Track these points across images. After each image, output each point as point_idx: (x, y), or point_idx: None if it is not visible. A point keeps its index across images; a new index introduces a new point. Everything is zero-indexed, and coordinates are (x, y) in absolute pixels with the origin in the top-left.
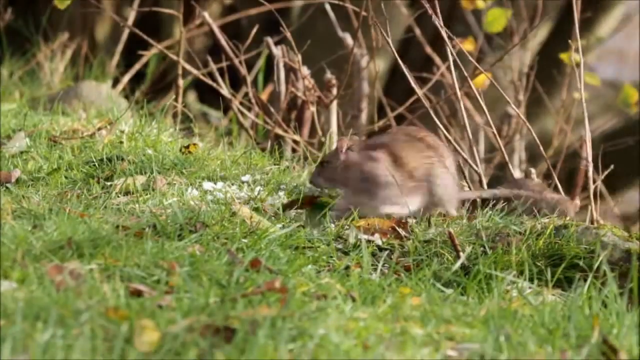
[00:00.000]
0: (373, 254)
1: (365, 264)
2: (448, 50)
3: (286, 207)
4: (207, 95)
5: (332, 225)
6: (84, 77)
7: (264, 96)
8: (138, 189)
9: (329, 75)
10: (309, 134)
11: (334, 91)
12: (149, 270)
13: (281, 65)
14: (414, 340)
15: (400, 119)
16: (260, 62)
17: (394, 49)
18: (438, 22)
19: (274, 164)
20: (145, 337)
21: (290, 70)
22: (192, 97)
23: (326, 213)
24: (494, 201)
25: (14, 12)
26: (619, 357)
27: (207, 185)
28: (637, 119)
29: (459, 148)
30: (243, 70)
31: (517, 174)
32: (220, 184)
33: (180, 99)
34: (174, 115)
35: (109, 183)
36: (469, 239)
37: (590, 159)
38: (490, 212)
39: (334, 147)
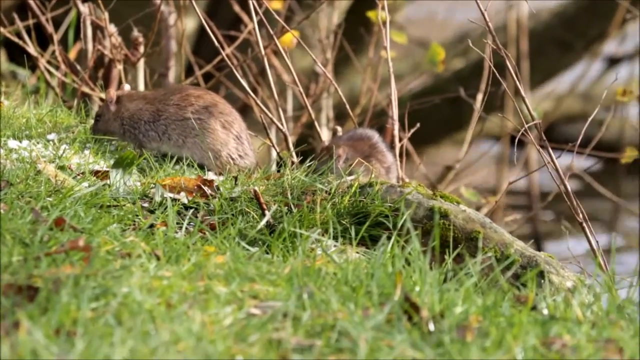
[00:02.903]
0: (179, 213)
1: (171, 223)
2: (252, 8)
3: None
4: (18, 53)
5: (138, 184)
6: None
7: (73, 54)
8: None
9: (135, 33)
10: None
11: (141, 49)
12: None
13: (88, 23)
14: (217, 298)
15: (208, 78)
16: (70, 20)
17: (200, 7)
18: None
19: (80, 123)
20: None
21: (97, 28)
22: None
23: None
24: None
25: None
26: (421, 314)
27: (12, 143)
28: (446, 78)
29: (264, 108)
30: (50, 28)
31: (324, 132)
32: (25, 142)
33: None
34: None
35: None
36: (275, 197)
37: (396, 117)
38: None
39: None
